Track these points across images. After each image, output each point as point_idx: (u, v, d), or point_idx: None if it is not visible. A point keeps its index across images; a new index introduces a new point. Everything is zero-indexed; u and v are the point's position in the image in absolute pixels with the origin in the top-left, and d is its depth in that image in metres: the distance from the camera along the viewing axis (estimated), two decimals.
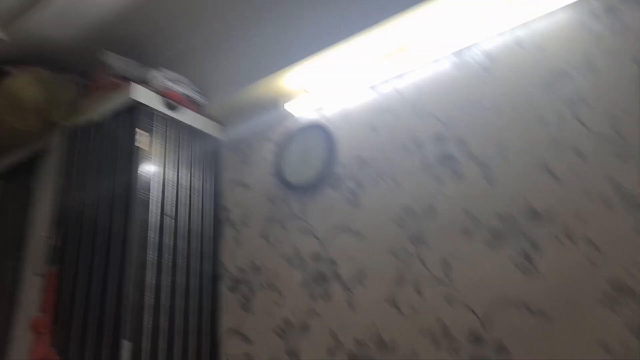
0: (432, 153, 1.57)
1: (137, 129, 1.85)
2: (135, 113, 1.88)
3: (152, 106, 1.92)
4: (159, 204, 1.84)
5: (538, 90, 1.41)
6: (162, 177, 1.89)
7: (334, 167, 1.80)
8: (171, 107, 1.99)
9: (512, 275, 1.31)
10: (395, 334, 1.48)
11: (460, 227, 1.44)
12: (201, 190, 2.05)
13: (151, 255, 1.75)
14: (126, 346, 1.57)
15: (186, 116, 2.06)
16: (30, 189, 2.20)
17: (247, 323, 1.85)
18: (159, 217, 1.82)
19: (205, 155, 2.13)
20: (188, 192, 1.99)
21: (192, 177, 2.03)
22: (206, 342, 1.86)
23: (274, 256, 1.86)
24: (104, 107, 1.99)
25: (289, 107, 2.01)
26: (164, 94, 1.97)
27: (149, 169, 1.85)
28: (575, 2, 1.42)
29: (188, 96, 2.05)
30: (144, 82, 1.93)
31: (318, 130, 1.86)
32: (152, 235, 1.78)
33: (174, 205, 1.91)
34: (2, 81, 2.07)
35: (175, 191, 1.92)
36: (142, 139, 1.86)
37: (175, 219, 1.89)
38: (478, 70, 1.55)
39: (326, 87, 1.92)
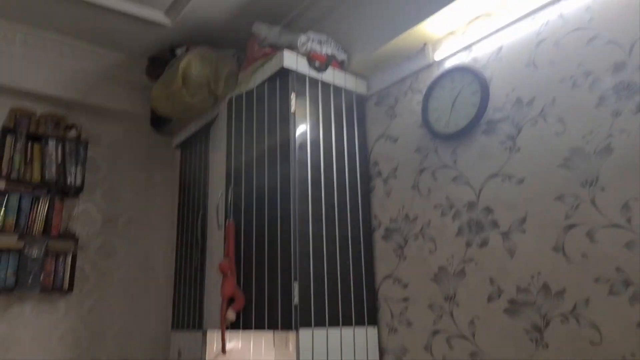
0: (609, 85, 1.40)
1: (290, 94, 2.02)
2: (287, 79, 2.04)
3: (301, 70, 2.06)
4: (314, 162, 2.01)
5: None
6: (314, 137, 2.04)
7: (486, 111, 1.72)
8: (318, 69, 2.11)
9: None
10: (564, 282, 1.41)
11: None
12: (350, 146, 2.16)
13: (310, 208, 1.93)
14: (296, 287, 1.79)
15: (332, 75, 2.16)
16: (206, 154, 2.58)
17: (403, 270, 1.95)
18: (315, 174, 1.99)
19: (352, 112, 2.23)
20: (338, 148, 2.11)
21: (342, 134, 2.15)
22: (365, 285, 2.02)
23: (426, 206, 1.90)
24: (260, 76, 2.20)
25: (434, 53, 1.97)
26: (311, 57, 2.10)
27: (302, 130, 2.01)
28: None
29: (333, 56, 2.15)
30: (292, 48, 2.08)
31: (467, 74, 1.79)
32: (310, 191, 1.95)
33: (328, 162, 2.05)
34: (177, 63, 2.43)
35: (326, 149, 2.07)
36: (295, 102, 2.02)
37: (329, 175, 2.05)
38: None
39: (474, 26, 1.82)
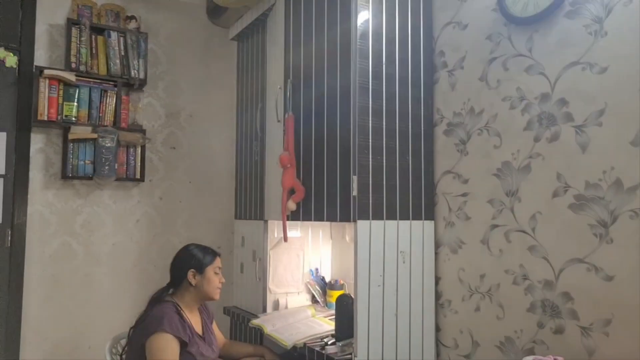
0: None
1: None
2: None
3: None
4: (376, 53, 1.95)
5: None
6: (377, 25, 1.96)
7: None
8: None
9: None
10: (639, 177, 1.37)
11: None
12: (414, 35, 2.07)
13: (371, 101, 1.93)
14: (355, 180, 1.86)
15: None
16: (263, 47, 2.57)
17: (464, 165, 1.95)
18: (376, 65, 1.95)
19: None
20: (401, 37, 2.03)
21: (407, 22, 2.05)
22: (423, 180, 2.06)
23: (494, 99, 1.83)
24: None
25: None
26: None
27: (364, 17, 1.93)
28: None
29: None
30: None
31: None
32: (371, 82, 1.93)
33: (390, 52, 1.99)
34: None
35: (389, 38, 1.99)
36: None
37: (391, 66, 1.99)
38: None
39: None
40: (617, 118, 1.43)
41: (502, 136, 1.79)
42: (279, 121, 2.37)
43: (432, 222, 2.07)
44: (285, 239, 2.22)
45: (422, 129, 2.07)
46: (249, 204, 2.69)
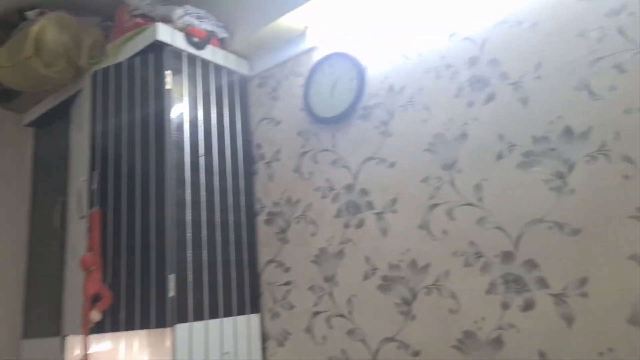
0: (465, 77, 1.62)
1: (165, 70, 1.97)
2: (161, 53, 1.99)
3: (178, 45, 2.02)
4: (192, 144, 2.00)
5: (577, 1, 1.42)
6: (193, 117, 2.03)
7: (363, 97, 1.88)
8: (197, 46, 2.09)
9: (544, 195, 1.40)
10: (428, 257, 1.62)
11: (492, 151, 1.52)
12: (232, 128, 2.19)
13: (188, 193, 1.93)
14: (172, 279, 1.78)
15: (212, 53, 2.16)
16: (66, 134, 2.40)
17: (285, 253, 2.05)
18: (193, 156, 1.98)
19: (234, 93, 2.25)
20: (219, 130, 2.13)
21: (222, 115, 2.16)
22: (247, 272, 2.08)
23: (307, 189, 2.01)
24: (131, 48, 2.11)
25: (315, 38, 2.08)
26: (189, 32, 2.07)
27: (179, 109, 1.98)
28: None
29: (213, 32, 2.14)
30: (168, 21, 2.03)
31: (346, 61, 1.93)
32: (188, 174, 1.95)
33: (207, 144, 2.06)
34: (28, 28, 2.21)
35: (206, 130, 2.07)
36: (170, 79, 1.98)
37: (209, 157, 2.05)
38: None
39: (353, 15, 1.96)
40: (407, 206, 1.71)
41: (318, 224, 1.96)
42: (82, 217, 2.17)
43: (258, 315, 2.07)
44: (87, 359, 1.95)
45: (244, 219, 2.13)
46: (43, 318, 2.31)
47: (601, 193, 1.31)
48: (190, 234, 1.89)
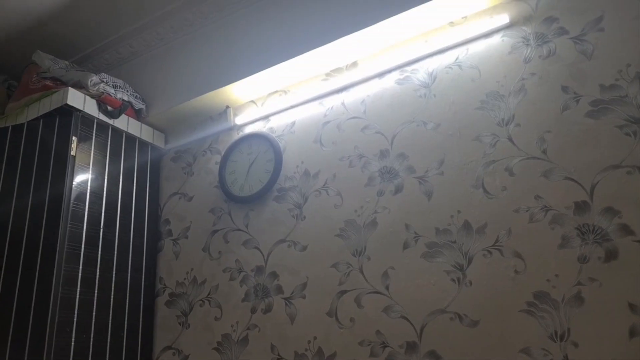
0: (375, 167, 1.71)
1: (72, 136, 1.87)
2: (70, 119, 1.90)
3: (89, 112, 1.95)
4: (93, 216, 1.86)
5: (475, 110, 1.59)
6: (97, 187, 1.91)
7: (278, 179, 1.90)
8: (110, 114, 2.03)
9: (446, 286, 1.46)
10: (335, 346, 1.58)
11: (399, 240, 1.58)
12: (139, 201, 2.08)
13: (81, 270, 1.76)
14: None
15: (126, 123, 2.10)
16: None
17: (185, 339, 1.89)
18: (92, 229, 1.84)
19: (146, 165, 2.17)
20: (125, 202, 2.01)
21: (131, 187, 2.06)
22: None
23: (215, 270, 1.92)
24: (34, 110, 1.99)
25: (235, 117, 2.11)
26: (103, 99, 2.01)
27: (83, 178, 1.87)
28: (508, 27, 1.62)
29: (129, 103, 2.10)
30: (80, 86, 1.96)
31: (264, 142, 1.96)
32: (84, 249, 1.79)
33: (110, 216, 1.93)
34: None
35: (110, 202, 1.95)
36: (75, 145, 1.88)
37: (111, 231, 1.92)
38: (420, 88, 1.71)
39: (273, 99, 2.04)
40: (317, 291, 1.68)
41: (223, 307, 1.85)
42: None
43: None
44: None
45: (142, 300, 1.97)
46: None
47: (496, 286, 1.39)
48: (76, 316, 1.70)
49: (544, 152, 1.43)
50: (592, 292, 1.26)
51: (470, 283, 1.42)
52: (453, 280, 1.45)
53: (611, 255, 1.26)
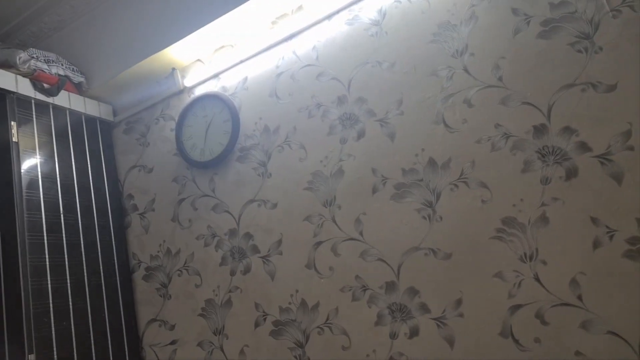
0: (335, 115, 1.66)
1: (10, 121, 1.74)
2: (4, 103, 1.75)
3: (24, 93, 1.80)
4: (50, 202, 1.77)
5: (428, 44, 1.54)
6: (49, 171, 1.81)
7: (238, 139, 1.84)
8: (48, 92, 1.88)
9: (417, 224, 1.47)
10: (318, 296, 1.60)
11: (368, 186, 1.57)
12: (97, 180, 1.99)
13: (48, 258, 1.70)
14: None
15: (69, 100, 1.96)
16: None
17: (169, 310, 1.89)
18: (51, 216, 1.76)
19: (97, 141, 2.06)
20: (82, 183, 1.92)
21: (85, 167, 1.96)
22: (126, 337, 1.87)
23: (188, 238, 1.89)
24: None
25: (183, 79, 1.99)
26: (37, 77, 1.86)
27: (31, 164, 1.76)
28: None
29: (66, 77, 1.95)
30: (9, 66, 1.80)
31: (218, 102, 1.87)
32: (47, 237, 1.72)
33: (68, 200, 1.84)
34: None
35: (66, 185, 1.86)
36: (17, 131, 1.75)
37: (72, 215, 1.84)
38: (371, 27, 1.65)
39: (221, 55, 1.93)
40: (293, 246, 1.68)
41: (202, 274, 1.84)
42: None
43: None
44: None
45: (118, 278, 1.93)
46: None
47: (465, 218, 1.41)
48: (52, 305, 1.65)
49: (500, 79, 1.42)
50: (556, 211, 1.29)
51: (441, 218, 1.44)
52: (424, 217, 1.47)
53: (571, 174, 1.29)
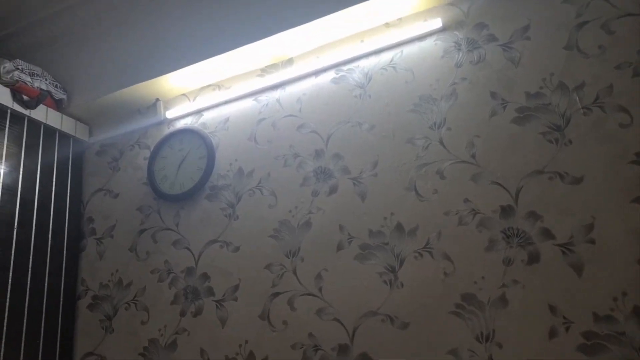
0: (310, 167, 1.62)
1: None
2: None
3: (1, 102, 1.71)
4: (5, 214, 1.64)
5: (408, 112, 1.54)
6: (10, 182, 1.69)
7: (211, 177, 1.76)
8: (27, 104, 1.79)
9: (378, 288, 1.40)
10: (267, 350, 1.49)
11: (333, 241, 1.51)
12: (59, 198, 1.87)
13: None
14: None
15: (45, 114, 1.87)
16: None
17: (108, 345, 1.73)
18: (4, 231, 1.62)
19: (67, 159, 1.95)
20: (42, 199, 1.80)
21: (50, 183, 1.84)
22: None
23: (142, 271, 1.76)
24: None
25: (165, 111, 1.93)
26: (18, 88, 1.77)
27: None
28: (442, 31, 1.58)
29: (47, 92, 1.87)
30: None
31: (195, 137, 1.81)
32: None
33: (24, 215, 1.71)
34: None
35: (25, 198, 1.73)
36: None
37: (26, 231, 1.70)
38: (355, 88, 1.64)
39: (206, 94, 1.89)
40: (249, 293, 1.58)
41: (150, 310, 1.70)
42: None
43: None
44: None
45: (62, 305, 1.77)
46: None
47: (426, 288, 1.35)
48: None
49: (473, 156, 1.41)
50: (515, 294, 1.25)
51: (402, 285, 1.38)
52: (385, 282, 1.40)
53: (533, 258, 1.26)
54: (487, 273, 1.29)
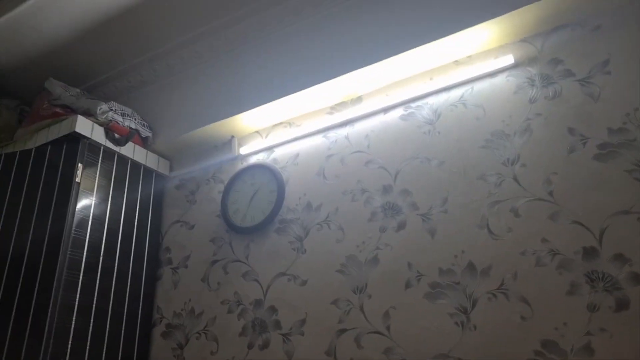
0: (378, 203, 1.62)
1: (78, 162, 1.80)
2: (77, 145, 1.83)
3: (96, 139, 1.89)
4: (93, 243, 1.78)
5: (480, 148, 1.51)
6: (99, 213, 1.83)
7: (280, 211, 1.81)
8: (117, 142, 1.96)
9: (449, 329, 1.35)
10: None
11: (401, 279, 1.48)
12: (141, 228, 2.00)
13: (78, 298, 1.67)
14: None
15: (133, 151, 2.03)
16: None
17: None
18: (91, 256, 1.75)
19: (150, 192, 2.10)
20: (126, 229, 1.93)
21: (133, 214, 1.98)
22: None
23: (213, 301, 1.82)
24: (43, 136, 1.93)
25: (239, 147, 2.04)
26: (110, 127, 1.95)
27: (87, 204, 1.79)
28: (513, 68, 1.56)
29: (136, 130, 2.04)
30: (89, 114, 1.90)
31: (267, 173, 1.88)
32: (82, 276, 1.70)
33: (110, 244, 1.84)
34: None
35: (112, 229, 1.87)
36: (82, 173, 1.81)
37: (110, 259, 1.83)
38: (424, 125, 1.64)
39: (278, 131, 1.97)
40: (316, 328, 1.57)
41: (219, 341, 1.74)
42: None
43: None
44: None
45: (138, 331, 1.86)
46: None
47: (501, 332, 1.28)
48: (70, 345, 1.59)
49: (550, 194, 1.35)
50: (602, 343, 1.15)
51: (475, 327, 1.32)
52: (456, 323, 1.35)
53: (622, 305, 1.16)
54: (570, 319, 1.20)
